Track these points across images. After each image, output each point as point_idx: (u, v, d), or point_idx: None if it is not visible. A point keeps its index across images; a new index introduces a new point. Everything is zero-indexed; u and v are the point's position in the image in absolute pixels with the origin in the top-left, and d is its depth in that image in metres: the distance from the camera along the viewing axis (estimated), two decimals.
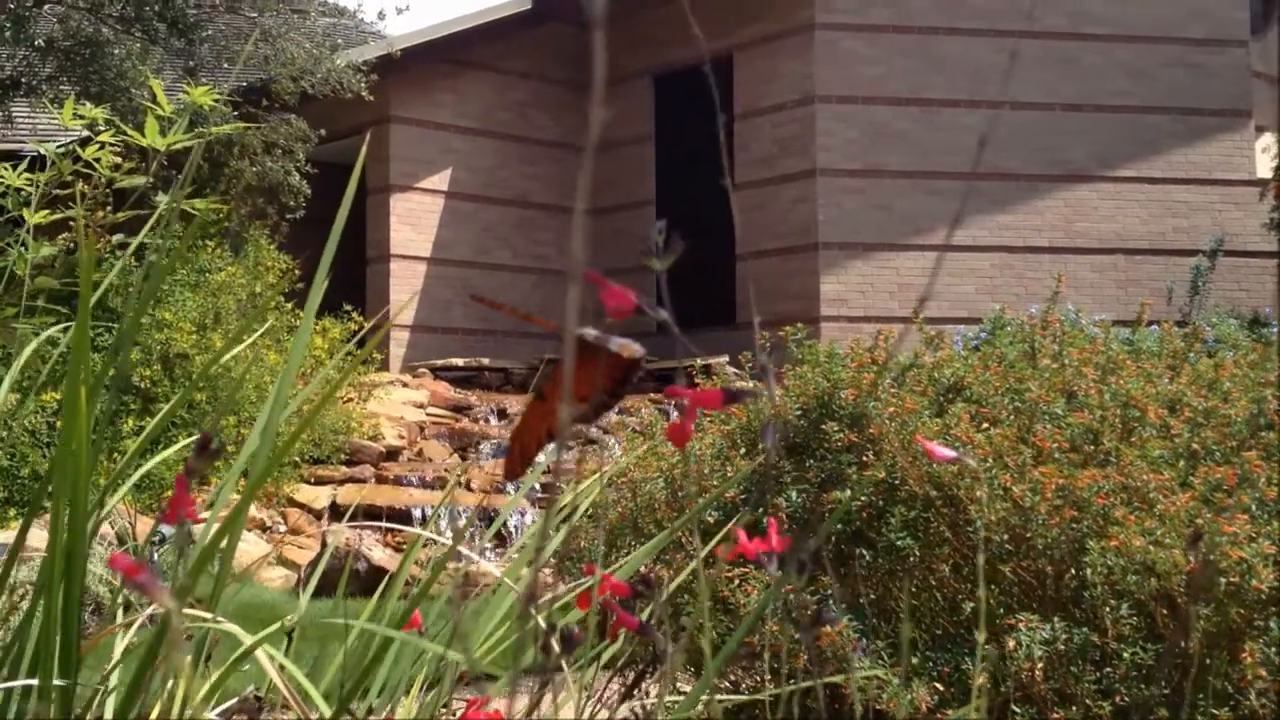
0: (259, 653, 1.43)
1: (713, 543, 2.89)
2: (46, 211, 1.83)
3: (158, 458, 1.70)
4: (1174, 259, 11.49)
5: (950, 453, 1.39)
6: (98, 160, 1.89)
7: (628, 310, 0.78)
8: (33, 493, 5.74)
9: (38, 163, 2.07)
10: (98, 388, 1.34)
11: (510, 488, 7.01)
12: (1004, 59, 11.29)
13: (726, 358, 8.91)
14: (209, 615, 1.48)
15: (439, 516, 6.28)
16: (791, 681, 3.34)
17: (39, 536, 5.15)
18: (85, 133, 2.28)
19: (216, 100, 1.87)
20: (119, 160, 1.91)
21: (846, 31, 11.24)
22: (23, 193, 1.96)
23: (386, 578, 1.85)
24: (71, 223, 1.89)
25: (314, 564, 5.89)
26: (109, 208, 2.07)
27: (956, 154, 11.13)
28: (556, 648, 1.10)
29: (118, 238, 2.35)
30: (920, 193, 11.12)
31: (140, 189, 1.90)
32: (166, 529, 1.35)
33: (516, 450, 0.93)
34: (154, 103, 1.96)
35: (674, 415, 8.35)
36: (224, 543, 1.56)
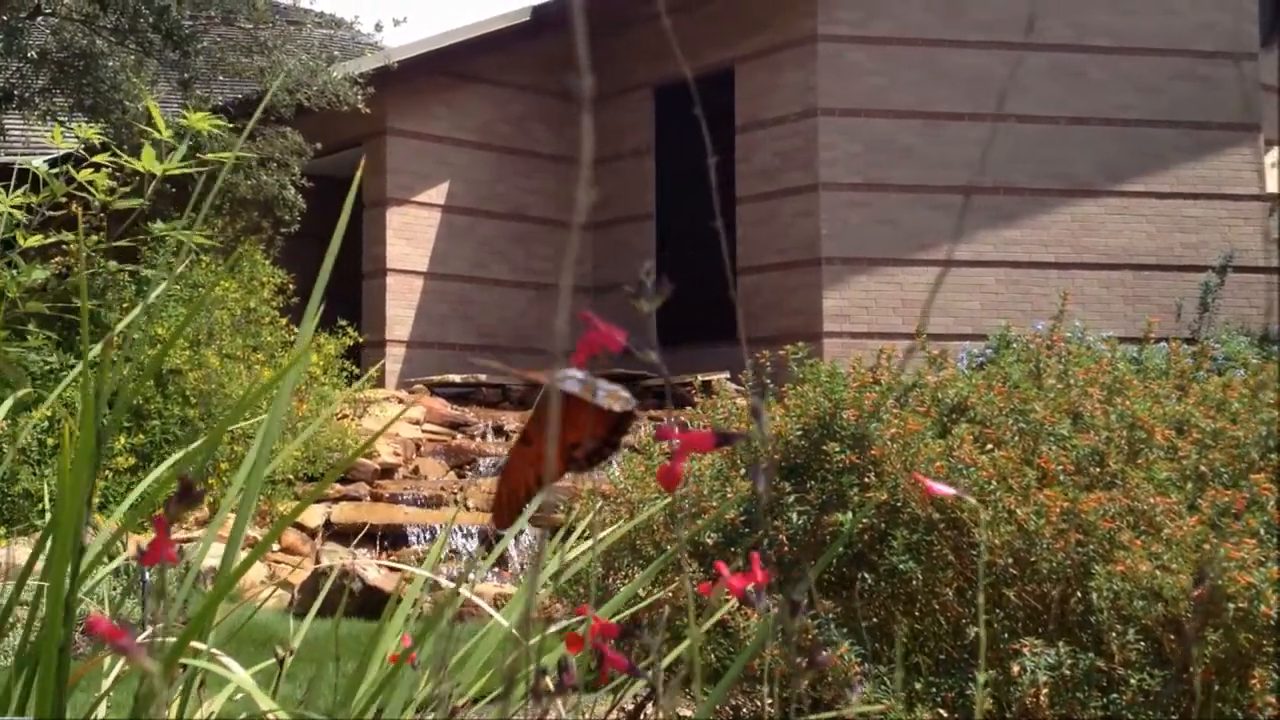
0: (253, 688, 1.40)
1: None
2: (40, 235, 1.79)
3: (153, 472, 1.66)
4: (1182, 275, 11.32)
5: (949, 489, 1.35)
6: (92, 182, 1.85)
7: (615, 350, 0.78)
8: (24, 511, 5.68)
9: (26, 177, 2.02)
10: (97, 413, 1.30)
11: None
12: (1009, 71, 11.22)
13: (727, 373, 8.86)
14: (204, 647, 1.46)
15: (437, 539, 6.23)
16: (792, 707, 3.29)
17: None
18: (80, 149, 2.24)
19: (215, 125, 1.83)
20: (113, 184, 1.87)
21: (849, 43, 11.14)
22: (14, 215, 1.91)
23: (372, 593, 1.81)
24: (65, 245, 1.85)
25: (308, 585, 5.83)
26: (104, 231, 2.02)
27: (961, 168, 11.06)
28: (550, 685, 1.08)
29: (113, 264, 2.31)
30: (925, 207, 11.01)
31: (137, 210, 1.86)
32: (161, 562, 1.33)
33: (504, 496, 0.89)
34: (149, 121, 1.91)
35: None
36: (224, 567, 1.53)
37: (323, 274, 1.41)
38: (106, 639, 0.65)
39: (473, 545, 6.40)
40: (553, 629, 1.80)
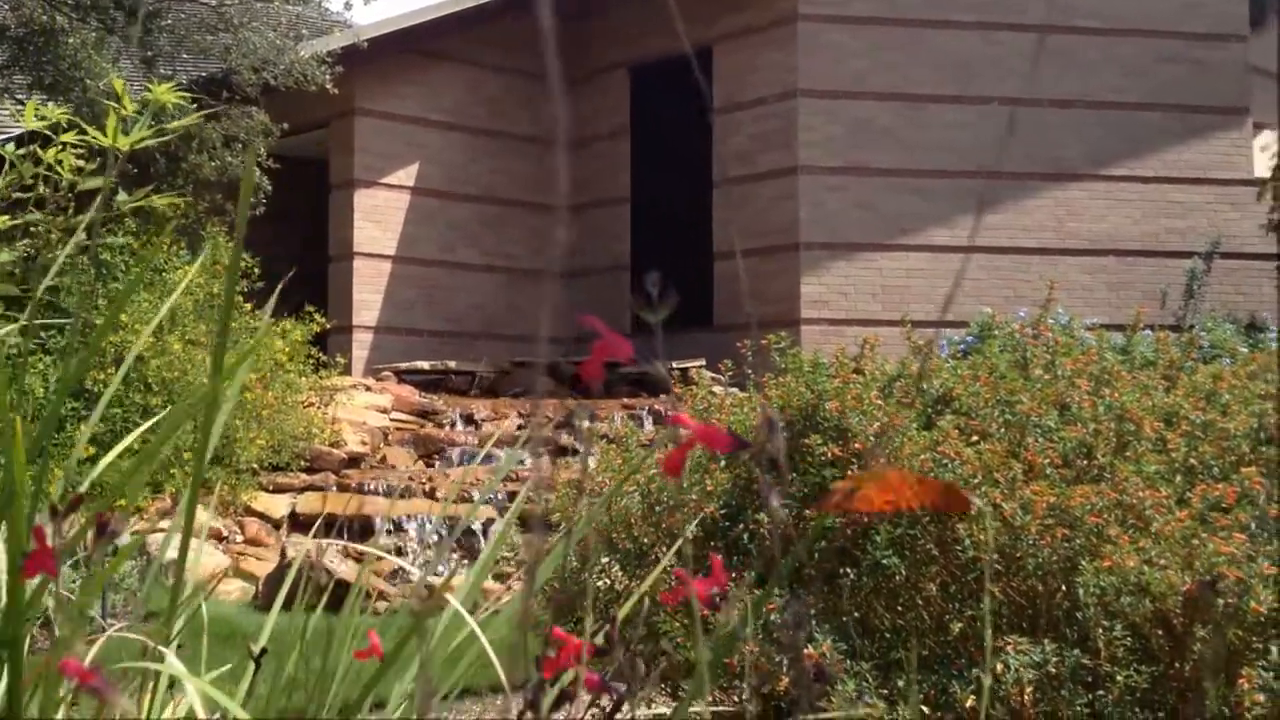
0: (228, 702, 1.32)
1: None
2: (6, 217, 1.69)
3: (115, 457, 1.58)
4: (1168, 261, 11.24)
5: (975, 500, 1.29)
6: (59, 162, 1.75)
7: (624, 360, 0.80)
8: None
9: None
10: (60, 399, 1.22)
11: (477, 496, 6.85)
12: (993, 52, 11.10)
13: (704, 361, 8.76)
14: (160, 648, 1.39)
15: (405, 530, 6.14)
16: (773, 704, 3.24)
17: None
18: (44, 129, 2.14)
19: (180, 99, 1.73)
20: (81, 163, 1.77)
21: (830, 23, 10.99)
22: None
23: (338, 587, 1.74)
24: (32, 227, 1.76)
25: (273, 577, 5.72)
26: (70, 211, 1.93)
27: (943, 151, 10.96)
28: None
29: (77, 239, 2.21)
30: (905, 191, 10.91)
31: (103, 190, 1.76)
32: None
33: None
34: (111, 98, 1.82)
35: (648, 423, 8.22)
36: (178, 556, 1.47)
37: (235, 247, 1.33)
38: (81, 681, 0.60)
39: (443, 536, 6.30)
40: (496, 602, 1.73)
